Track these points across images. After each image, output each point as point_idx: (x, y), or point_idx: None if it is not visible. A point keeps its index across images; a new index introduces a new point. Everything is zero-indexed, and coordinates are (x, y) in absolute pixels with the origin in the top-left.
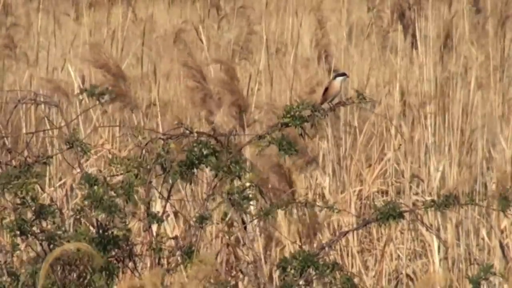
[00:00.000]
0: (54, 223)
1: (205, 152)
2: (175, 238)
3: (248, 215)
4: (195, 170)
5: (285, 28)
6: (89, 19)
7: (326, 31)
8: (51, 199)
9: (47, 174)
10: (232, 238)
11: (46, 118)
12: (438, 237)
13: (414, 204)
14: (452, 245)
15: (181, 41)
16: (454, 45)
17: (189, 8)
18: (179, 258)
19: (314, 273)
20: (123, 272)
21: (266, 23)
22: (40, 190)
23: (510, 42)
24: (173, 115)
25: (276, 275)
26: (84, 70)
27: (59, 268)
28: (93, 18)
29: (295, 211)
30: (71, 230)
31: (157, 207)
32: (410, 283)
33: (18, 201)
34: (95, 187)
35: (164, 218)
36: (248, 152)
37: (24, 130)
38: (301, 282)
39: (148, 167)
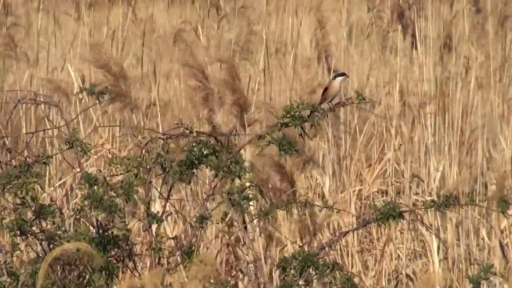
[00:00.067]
0: (54, 223)
1: (205, 152)
2: (175, 238)
3: (248, 215)
4: (195, 170)
5: (285, 28)
6: (89, 19)
7: (326, 31)
8: (51, 199)
9: (47, 174)
10: (232, 238)
11: (46, 118)
12: (438, 237)
13: (414, 204)
14: (452, 245)
15: (181, 41)
16: (454, 45)
17: (189, 8)
18: (178, 258)
19: (314, 273)
20: (123, 272)
21: (266, 23)
22: (40, 190)
23: (510, 42)
24: (173, 115)
25: (276, 275)
26: (84, 70)
27: (59, 268)
28: (93, 18)
29: (295, 211)
30: (71, 230)
31: (156, 207)
32: (410, 283)
33: (18, 201)
34: (95, 187)
35: (164, 218)
36: (248, 152)
37: (24, 130)
38: (301, 282)
39: (148, 167)
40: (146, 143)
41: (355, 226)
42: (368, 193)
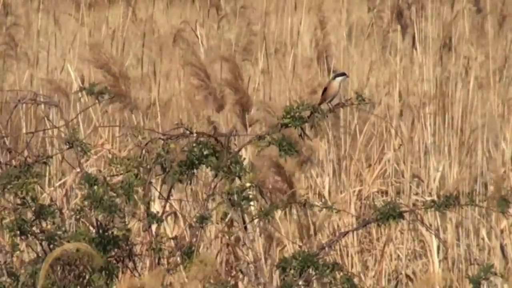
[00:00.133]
0: (54, 223)
1: (205, 153)
2: (175, 238)
3: (248, 215)
4: (195, 170)
5: (284, 28)
6: (89, 19)
7: (327, 31)
8: (51, 199)
9: (47, 174)
10: (232, 238)
11: (46, 118)
12: (438, 237)
13: (414, 204)
14: (452, 245)
15: (182, 40)
16: (454, 45)
17: (189, 8)
18: (178, 258)
19: (314, 273)
20: (122, 272)
21: (266, 23)
22: (40, 190)
23: (510, 42)
24: (173, 115)
25: (276, 275)
26: (84, 70)
27: (59, 268)
28: (93, 18)
29: (294, 211)
30: (71, 230)
31: (156, 207)
32: (410, 283)
33: (18, 201)
34: (95, 187)
35: (164, 218)
36: (248, 152)
37: (24, 130)
38: (301, 282)
39: (148, 167)
40: (146, 143)
41: (355, 226)
42: (368, 193)
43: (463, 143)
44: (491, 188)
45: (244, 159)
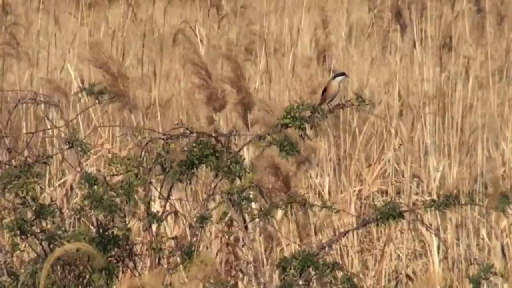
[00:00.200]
0: (54, 223)
1: (205, 152)
2: (175, 238)
3: (248, 214)
4: (195, 170)
5: (284, 28)
6: (89, 19)
7: (329, 31)
8: (51, 199)
9: (47, 174)
10: (232, 238)
11: (46, 118)
12: (438, 237)
13: (414, 204)
14: (452, 245)
15: (182, 40)
16: (454, 45)
17: (189, 8)
18: (178, 258)
19: (314, 273)
20: (123, 272)
21: (266, 23)
22: (40, 190)
23: (510, 42)
24: (173, 115)
25: (276, 275)
26: (84, 70)
27: (59, 268)
28: (93, 18)
29: (292, 211)
30: (71, 230)
31: (156, 207)
32: (410, 283)
33: (18, 201)
34: (95, 187)
35: (164, 218)
36: (249, 152)
37: (24, 130)
38: (301, 282)
39: (148, 167)
40: (146, 143)
41: (355, 226)
42: (368, 193)
43: (463, 143)
44: (490, 188)
45: (244, 159)
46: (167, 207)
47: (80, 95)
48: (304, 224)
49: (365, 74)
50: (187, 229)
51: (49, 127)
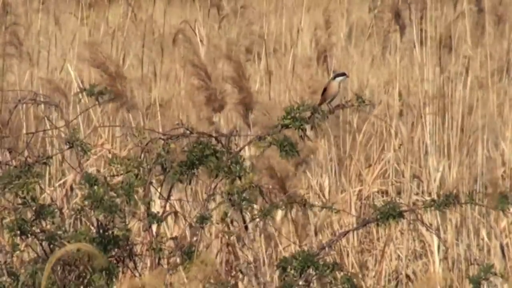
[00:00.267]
0: (53, 223)
1: (205, 153)
2: (175, 238)
3: (248, 214)
4: (195, 170)
5: (284, 28)
6: (89, 19)
7: (332, 31)
8: (51, 199)
9: (47, 174)
10: (232, 238)
11: (46, 118)
12: (438, 237)
13: (414, 204)
14: (452, 245)
15: (182, 41)
16: (454, 45)
17: (189, 8)
18: (178, 259)
19: (314, 273)
20: (123, 272)
21: (266, 23)
22: (40, 190)
23: (510, 42)
24: (173, 115)
25: (276, 275)
26: (84, 70)
27: (59, 268)
28: (93, 18)
29: (290, 211)
30: (71, 230)
31: (156, 207)
32: (410, 283)
33: (19, 201)
34: (95, 187)
35: (164, 218)
36: (250, 152)
37: (24, 130)
38: (301, 282)
39: (148, 167)
40: (147, 143)
41: (355, 226)
42: (368, 193)
43: (463, 143)
44: (490, 188)
45: (244, 159)
46: (167, 208)
47: (80, 95)
48: (303, 224)
49: (365, 74)
50: (187, 229)
51: (49, 127)
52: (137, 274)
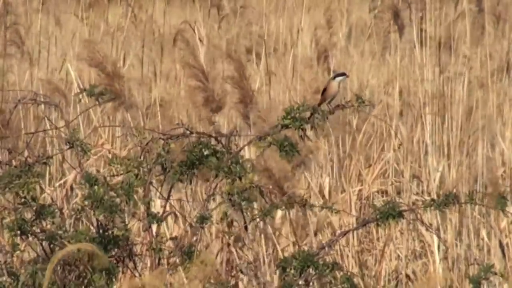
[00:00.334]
0: (54, 223)
1: (205, 153)
2: (175, 238)
3: (248, 214)
4: (195, 170)
5: (284, 28)
6: (89, 20)
7: (334, 31)
8: (51, 199)
9: (47, 174)
10: (232, 238)
11: (46, 118)
12: (438, 237)
13: (413, 204)
14: (452, 245)
15: (181, 41)
16: (454, 45)
17: (189, 8)
18: (178, 259)
19: (313, 273)
20: (123, 272)
21: (266, 23)
22: (40, 190)
23: (510, 42)
24: (173, 115)
25: (276, 275)
26: (84, 70)
27: (59, 268)
28: (93, 18)
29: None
30: (72, 230)
31: (156, 207)
32: (410, 283)
33: (19, 201)
34: (96, 187)
35: (164, 218)
36: (250, 153)
37: (24, 130)
38: (301, 282)
39: (148, 167)
40: (147, 144)
41: (355, 226)
42: (368, 193)
43: (463, 143)
44: (490, 188)
45: (245, 160)
46: (167, 208)
47: (80, 96)
48: (303, 224)
49: (365, 74)
50: (188, 229)
51: (49, 127)
52: (137, 274)
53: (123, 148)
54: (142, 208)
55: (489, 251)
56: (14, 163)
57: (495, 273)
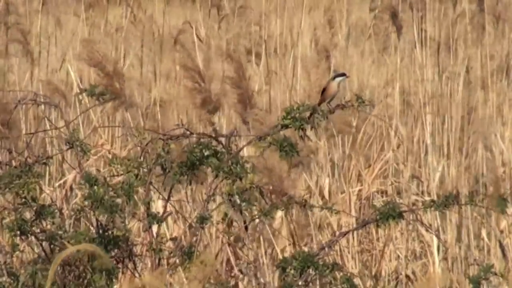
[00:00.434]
0: (54, 223)
1: (206, 153)
2: (175, 238)
3: (248, 215)
4: (195, 171)
5: (284, 28)
6: (89, 20)
7: (335, 31)
8: (51, 199)
9: (47, 174)
10: (232, 238)
11: (46, 118)
12: (438, 237)
13: (413, 204)
14: (452, 245)
15: (181, 41)
16: (454, 45)
17: (190, 8)
18: (178, 260)
19: (314, 273)
20: (123, 273)
21: (266, 23)
22: (40, 190)
23: (510, 42)
24: (173, 115)
25: (276, 275)
26: (84, 70)
27: (59, 268)
28: (93, 18)
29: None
30: (71, 230)
31: (156, 207)
32: (410, 283)
33: (19, 201)
34: (96, 187)
35: (164, 218)
36: (248, 153)
37: (24, 131)
38: (301, 282)
39: (148, 167)
40: (147, 144)
41: (355, 226)
42: (368, 193)
43: (463, 143)
44: (490, 188)
45: (245, 160)
46: (167, 208)
47: (80, 96)
48: (303, 225)
49: (365, 74)
50: (187, 229)
51: (49, 127)
52: (137, 275)
53: (123, 148)
54: (142, 208)
55: (489, 251)
56: (14, 163)
57: (495, 274)
